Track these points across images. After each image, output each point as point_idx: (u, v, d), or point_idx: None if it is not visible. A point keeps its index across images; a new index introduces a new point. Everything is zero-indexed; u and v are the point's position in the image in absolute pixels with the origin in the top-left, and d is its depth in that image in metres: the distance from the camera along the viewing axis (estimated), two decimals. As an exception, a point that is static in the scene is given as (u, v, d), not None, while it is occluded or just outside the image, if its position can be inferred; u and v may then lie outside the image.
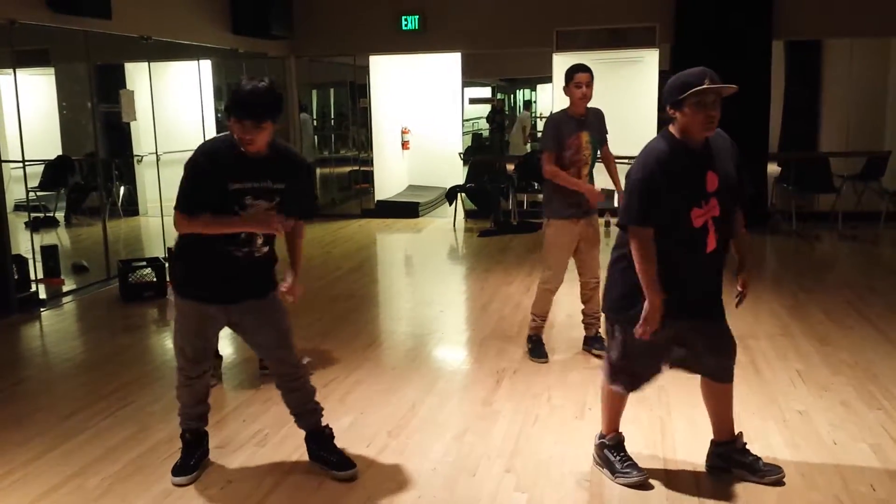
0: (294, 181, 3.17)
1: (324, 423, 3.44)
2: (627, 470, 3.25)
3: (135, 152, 10.23)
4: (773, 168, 10.62)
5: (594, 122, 4.68)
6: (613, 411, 3.36)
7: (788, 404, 4.00)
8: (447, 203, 10.56)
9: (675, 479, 3.27)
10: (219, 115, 10.36)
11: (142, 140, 10.10)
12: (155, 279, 6.64)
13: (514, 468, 3.39)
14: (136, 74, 9.46)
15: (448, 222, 10.40)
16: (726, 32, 9.26)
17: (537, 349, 4.88)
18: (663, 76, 10.25)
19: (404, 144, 12.72)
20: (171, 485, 3.30)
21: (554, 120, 4.67)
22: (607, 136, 4.80)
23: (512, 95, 21.47)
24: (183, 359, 3.29)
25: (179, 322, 3.27)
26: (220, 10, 9.26)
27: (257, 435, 3.78)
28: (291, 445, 3.64)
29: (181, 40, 8.58)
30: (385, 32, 10.51)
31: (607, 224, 9.79)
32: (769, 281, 6.77)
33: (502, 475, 3.33)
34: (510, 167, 10.93)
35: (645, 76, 10.17)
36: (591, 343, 4.93)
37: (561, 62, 10.46)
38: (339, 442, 3.68)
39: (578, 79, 4.55)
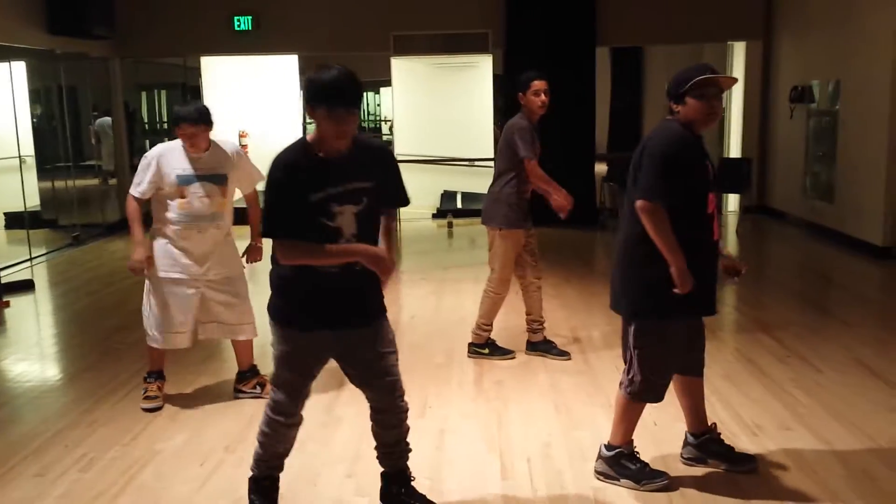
0: (385, 174, 2.85)
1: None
2: (656, 475, 3.19)
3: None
4: (600, 168, 11.23)
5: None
6: (632, 424, 3.25)
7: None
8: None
9: (510, 470, 3.38)
10: (34, 120, 9.64)
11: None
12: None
13: (356, 473, 3.39)
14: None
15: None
16: (553, 39, 9.71)
17: (499, 349, 4.85)
18: (497, 80, 10.60)
19: (243, 148, 12.35)
20: (-19, 523, 3.04)
21: (528, 127, 4.52)
22: None
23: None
24: (286, 396, 2.95)
25: (283, 354, 2.92)
26: (33, 9, 8.61)
27: (81, 460, 3.55)
28: (118, 469, 3.45)
29: (-12, 40, 7.92)
30: (217, 33, 10.20)
31: (450, 225, 10.00)
32: (600, 275, 7.15)
33: (343, 481, 3.33)
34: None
35: (480, 80, 10.46)
36: (544, 348, 4.89)
37: (399, 66, 10.58)
38: (170, 463, 3.54)
39: (536, 86, 4.43)
